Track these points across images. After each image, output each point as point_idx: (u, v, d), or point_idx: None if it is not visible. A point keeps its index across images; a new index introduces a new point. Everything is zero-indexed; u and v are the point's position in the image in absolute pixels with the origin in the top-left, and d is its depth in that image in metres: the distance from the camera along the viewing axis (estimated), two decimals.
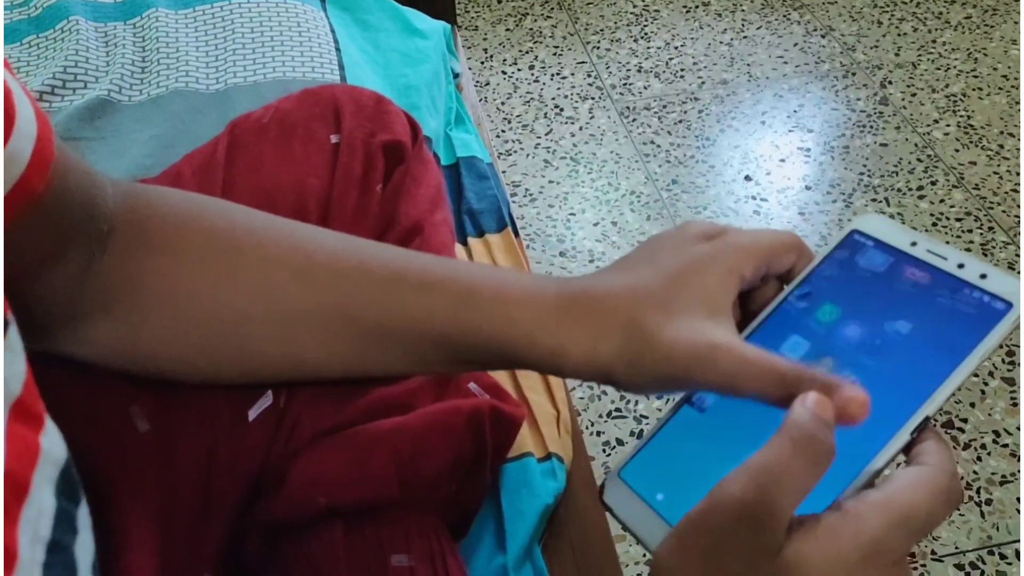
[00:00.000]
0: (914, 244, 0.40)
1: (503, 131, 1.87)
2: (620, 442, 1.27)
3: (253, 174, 0.55)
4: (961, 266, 0.38)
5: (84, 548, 0.33)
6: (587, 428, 1.29)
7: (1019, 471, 1.21)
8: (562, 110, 1.92)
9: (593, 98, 1.96)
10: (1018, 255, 1.52)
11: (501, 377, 0.65)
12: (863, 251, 0.41)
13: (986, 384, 1.32)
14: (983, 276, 0.37)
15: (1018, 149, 1.76)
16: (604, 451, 1.26)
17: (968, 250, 1.53)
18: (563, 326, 0.39)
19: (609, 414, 1.31)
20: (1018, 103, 1.88)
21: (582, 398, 1.33)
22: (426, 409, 0.50)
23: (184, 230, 0.45)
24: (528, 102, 1.95)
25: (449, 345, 0.42)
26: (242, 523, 0.47)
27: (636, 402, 1.32)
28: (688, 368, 0.36)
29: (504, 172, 1.75)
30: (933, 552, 1.13)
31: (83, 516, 0.34)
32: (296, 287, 0.44)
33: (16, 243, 0.38)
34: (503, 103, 1.95)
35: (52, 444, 0.31)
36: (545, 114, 1.92)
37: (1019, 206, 1.62)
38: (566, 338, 0.39)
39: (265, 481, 0.48)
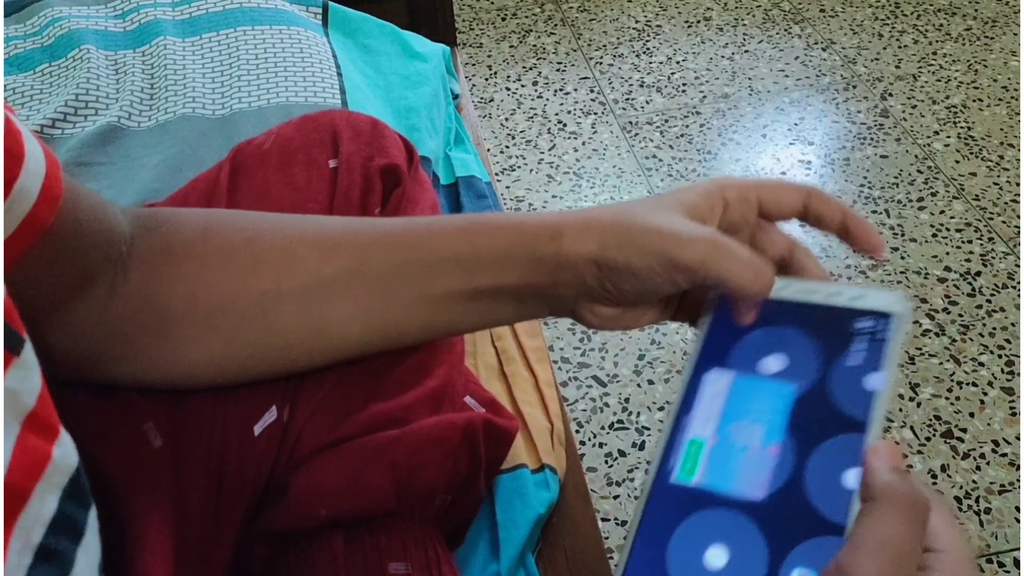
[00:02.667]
0: (781, 289, 0.40)
1: (507, 147, 1.89)
2: (622, 453, 1.28)
3: (257, 200, 0.57)
4: (836, 295, 0.39)
5: (89, 550, 0.35)
6: (589, 440, 1.31)
7: (1018, 480, 1.22)
8: (565, 125, 1.95)
9: (596, 113, 1.98)
10: (1018, 265, 1.54)
11: (497, 391, 0.67)
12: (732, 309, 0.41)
13: (985, 394, 1.33)
14: (859, 297, 0.38)
15: (1018, 160, 1.77)
16: (606, 462, 1.28)
17: (968, 261, 1.55)
18: (563, 216, 0.45)
19: (611, 425, 1.32)
20: (1018, 114, 1.89)
21: (584, 410, 1.34)
22: (422, 423, 0.51)
23: (207, 236, 0.48)
24: (532, 118, 1.98)
25: (464, 261, 0.46)
26: (248, 533, 0.49)
27: (637, 413, 1.34)
28: (665, 246, 0.41)
29: (508, 188, 1.78)
30: None
31: (92, 520, 0.36)
32: (316, 257, 0.47)
33: (36, 277, 0.40)
34: (507, 119, 1.97)
35: (64, 453, 0.34)
36: (548, 129, 1.94)
37: (1019, 217, 1.64)
38: (564, 221, 0.45)
39: (270, 493, 0.50)
